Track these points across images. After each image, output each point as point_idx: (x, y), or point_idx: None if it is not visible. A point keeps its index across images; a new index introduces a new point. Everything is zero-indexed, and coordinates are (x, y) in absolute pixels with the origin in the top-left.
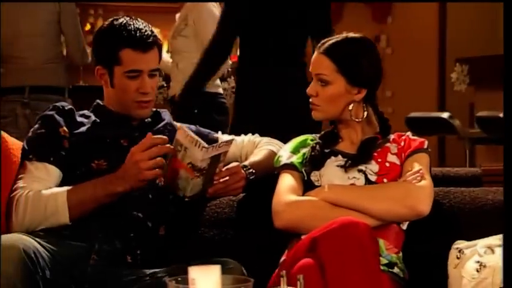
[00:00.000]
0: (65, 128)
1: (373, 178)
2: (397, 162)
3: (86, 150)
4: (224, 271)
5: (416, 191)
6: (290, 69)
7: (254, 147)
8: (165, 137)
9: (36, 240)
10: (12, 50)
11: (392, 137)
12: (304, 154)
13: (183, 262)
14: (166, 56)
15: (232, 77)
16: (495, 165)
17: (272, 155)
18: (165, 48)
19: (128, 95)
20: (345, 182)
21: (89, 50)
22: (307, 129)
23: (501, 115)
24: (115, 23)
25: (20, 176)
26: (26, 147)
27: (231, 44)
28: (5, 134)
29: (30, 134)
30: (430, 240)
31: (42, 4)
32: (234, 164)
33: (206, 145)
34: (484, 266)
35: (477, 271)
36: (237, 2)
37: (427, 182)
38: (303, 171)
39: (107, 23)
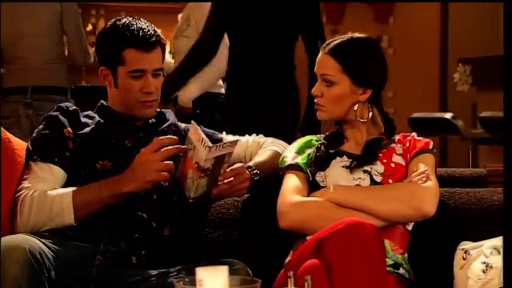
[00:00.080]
0: (69, 129)
1: (378, 179)
2: (403, 162)
3: (90, 150)
4: (230, 272)
5: (422, 191)
6: (279, 70)
7: (258, 147)
8: (174, 137)
9: (41, 241)
10: (14, 50)
11: (397, 137)
12: (309, 155)
13: (188, 263)
14: (168, 57)
15: None
16: (500, 165)
17: (276, 155)
18: (167, 48)
19: (132, 95)
20: (350, 183)
21: (91, 51)
22: (296, 129)
23: None
24: (118, 23)
25: (24, 177)
26: (31, 148)
27: (217, 45)
28: (9, 135)
29: (34, 134)
30: (435, 241)
31: (45, 4)
32: (239, 164)
33: (210, 144)
34: (491, 267)
35: (483, 272)
36: (226, 2)
37: (432, 183)
38: (308, 172)
39: (109, 23)
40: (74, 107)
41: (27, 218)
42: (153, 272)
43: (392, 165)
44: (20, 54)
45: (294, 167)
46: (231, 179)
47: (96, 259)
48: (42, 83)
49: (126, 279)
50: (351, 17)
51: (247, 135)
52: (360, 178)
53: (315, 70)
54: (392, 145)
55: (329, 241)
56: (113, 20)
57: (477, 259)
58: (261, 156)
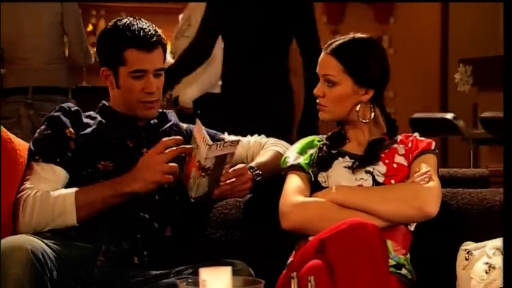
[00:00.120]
0: (71, 129)
1: (380, 179)
2: (405, 163)
3: (92, 151)
4: (232, 272)
5: (425, 192)
6: (273, 72)
7: (260, 148)
8: (179, 137)
9: (43, 241)
10: (15, 50)
11: (399, 138)
12: (311, 155)
13: (190, 263)
14: (169, 57)
15: None
16: (502, 166)
17: (278, 156)
18: (168, 49)
19: (134, 95)
20: (352, 183)
21: (91, 51)
22: (289, 131)
23: None
24: (118, 23)
25: (26, 177)
26: (33, 148)
27: (211, 46)
28: (11, 135)
29: (36, 135)
30: (437, 241)
31: (45, 5)
32: (241, 165)
33: (211, 142)
34: (493, 268)
35: (486, 272)
36: (220, 4)
37: (435, 183)
38: (310, 172)
39: (110, 24)
40: (76, 108)
41: (29, 218)
42: (155, 273)
43: (395, 165)
44: (20, 55)
45: (296, 168)
46: (233, 179)
47: (98, 259)
48: (43, 83)
49: (128, 280)
50: (351, 17)
51: (249, 136)
52: (362, 179)
53: (317, 70)
54: (395, 145)
55: (332, 241)
56: (113, 20)
57: (480, 260)
58: (263, 157)
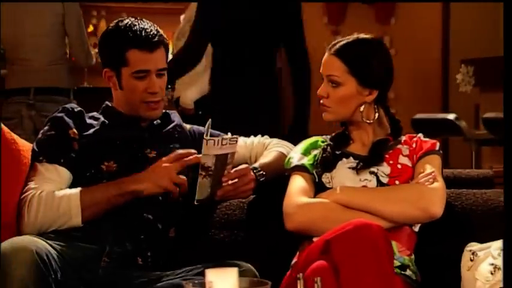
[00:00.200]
0: (74, 130)
1: (385, 180)
2: (409, 164)
3: (96, 152)
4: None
5: (429, 193)
6: (262, 78)
7: (264, 148)
8: (193, 150)
9: (47, 242)
10: (17, 51)
11: (403, 138)
12: (315, 156)
13: (194, 264)
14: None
15: None
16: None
17: (282, 156)
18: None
19: (137, 95)
20: (356, 184)
21: (93, 52)
22: (277, 135)
23: None
24: (120, 24)
25: (31, 178)
26: (36, 149)
27: (201, 53)
28: (15, 136)
29: (40, 135)
30: (442, 242)
31: (47, 5)
32: (243, 166)
33: (207, 137)
34: (499, 269)
35: (491, 273)
36: (210, 11)
37: (439, 184)
38: (314, 173)
39: (112, 25)
40: (79, 108)
41: (34, 218)
42: (159, 274)
43: (399, 166)
44: (22, 56)
45: (300, 168)
46: (236, 180)
47: (102, 260)
48: (44, 84)
49: (132, 281)
50: (352, 18)
51: (252, 136)
52: (366, 179)
53: (320, 71)
54: (399, 146)
55: (337, 242)
56: (115, 21)
57: (485, 260)
58: (266, 158)
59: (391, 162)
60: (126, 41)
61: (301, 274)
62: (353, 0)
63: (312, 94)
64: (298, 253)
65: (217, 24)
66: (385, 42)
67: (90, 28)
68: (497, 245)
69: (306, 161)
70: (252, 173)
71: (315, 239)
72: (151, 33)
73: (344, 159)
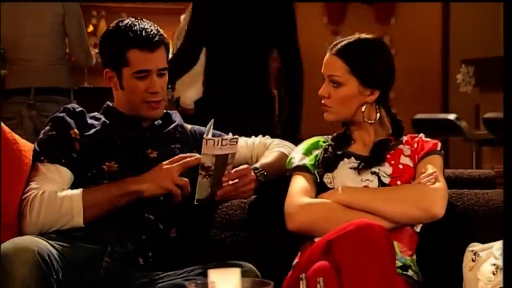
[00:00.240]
0: (75, 130)
1: (386, 180)
2: (411, 164)
3: (97, 152)
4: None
5: (431, 193)
6: (254, 79)
7: (265, 149)
8: (198, 155)
9: (49, 243)
10: (17, 51)
11: (405, 138)
12: (316, 156)
13: (196, 264)
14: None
15: None
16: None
17: (283, 157)
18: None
19: (138, 95)
20: (358, 184)
21: (93, 52)
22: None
23: None
24: (120, 24)
25: (32, 178)
26: (38, 149)
27: (198, 53)
28: (16, 136)
29: (41, 135)
30: (443, 242)
31: (47, 6)
32: (244, 166)
33: (207, 137)
34: (501, 269)
35: (493, 274)
36: (203, 12)
37: (441, 184)
38: (316, 173)
39: (112, 25)
40: (81, 109)
41: (36, 218)
42: (161, 274)
43: (401, 166)
44: (22, 56)
45: (302, 169)
46: (236, 180)
47: (104, 261)
48: (45, 84)
49: (134, 281)
50: (352, 18)
51: (253, 137)
52: (367, 180)
53: (322, 71)
54: (400, 146)
55: (339, 243)
56: (115, 21)
57: (487, 261)
58: (268, 158)
59: (392, 162)
60: (126, 41)
61: (303, 274)
62: (353, 0)
63: (312, 94)
64: (299, 253)
65: (210, 25)
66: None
67: (90, 28)
68: (499, 246)
69: (308, 161)
70: (252, 174)
71: (316, 239)
72: (152, 33)
73: (345, 159)
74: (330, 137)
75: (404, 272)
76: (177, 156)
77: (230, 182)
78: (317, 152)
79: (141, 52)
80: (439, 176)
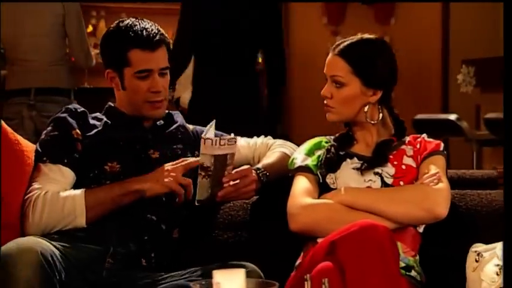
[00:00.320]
0: (77, 131)
1: (389, 181)
2: (413, 164)
3: (99, 152)
4: None
5: (434, 193)
6: (242, 79)
7: (267, 149)
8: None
9: (51, 243)
10: (17, 52)
11: (407, 139)
12: (319, 156)
13: (198, 265)
14: None
15: None
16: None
17: (285, 157)
18: None
19: (140, 95)
20: (360, 185)
21: (93, 53)
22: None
23: None
24: (121, 24)
25: (34, 179)
26: (40, 150)
27: (189, 54)
28: (18, 136)
29: (43, 136)
30: (446, 243)
31: (47, 5)
32: (245, 167)
33: (205, 136)
34: None
35: (497, 274)
36: (193, 13)
37: (444, 185)
38: (318, 174)
39: (112, 25)
40: (82, 109)
41: (39, 218)
42: (164, 275)
43: (403, 167)
44: (22, 56)
45: (304, 169)
46: (237, 181)
47: (106, 261)
48: (45, 84)
49: (136, 282)
50: (352, 18)
51: (255, 137)
52: (370, 180)
53: (324, 71)
54: (403, 147)
55: (342, 243)
56: (116, 22)
57: (490, 261)
58: (270, 158)
59: (395, 162)
60: (127, 41)
61: (308, 275)
62: (352, 1)
63: (313, 94)
64: (302, 254)
65: (200, 25)
66: None
67: (90, 28)
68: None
69: (310, 161)
70: (254, 174)
71: (319, 240)
72: (153, 32)
73: (348, 159)
74: (333, 137)
75: (407, 273)
76: (180, 160)
77: (231, 183)
78: (319, 152)
79: (142, 52)
80: (442, 176)
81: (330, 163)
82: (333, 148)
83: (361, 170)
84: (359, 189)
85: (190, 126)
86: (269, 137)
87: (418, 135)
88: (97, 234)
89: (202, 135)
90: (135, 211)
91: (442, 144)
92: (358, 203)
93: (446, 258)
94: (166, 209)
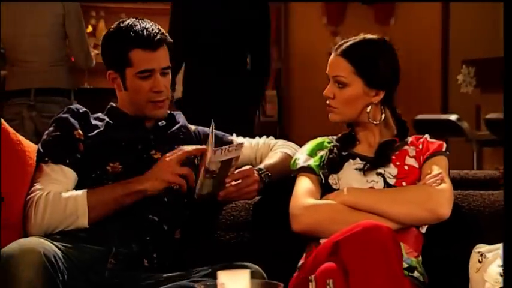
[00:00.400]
0: (79, 131)
1: (392, 181)
2: (416, 165)
3: (101, 153)
4: None
5: (437, 194)
6: (233, 79)
7: (269, 149)
8: (199, 146)
9: (54, 244)
10: (16, 52)
11: (410, 139)
12: (321, 157)
13: (200, 266)
14: None
15: None
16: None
17: (287, 158)
18: None
19: (142, 95)
20: (363, 186)
21: (93, 53)
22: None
23: None
24: (121, 25)
25: (36, 179)
26: (41, 150)
27: (181, 54)
28: (20, 137)
29: (44, 136)
30: (449, 243)
31: (47, 6)
32: (247, 167)
33: (215, 148)
34: None
35: (501, 275)
36: (182, 13)
37: (447, 185)
38: (321, 174)
39: (113, 26)
40: (84, 109)
41: (41, 219)
42: (166, 275)
43: (406, 167)
44: (22, 57)
45: (307, 170)
46: (239, 181)
47: (109, 262)
48: (45, 84)
49: (139, 282)
50: (351, 18)
51: (257, 137)
52: (373, 181)
53: (326, 71)
54: (405, 147)
55: (346, 244)
56: (116, 22)
57: (494, 262)
58: (272, 159)
59: (397, 163)
60: (128, 41)
61: (313, 276)
62: (352, 1)
63: (313, 95)
64: (304, 254)
65: (191, 25)
66: None
67: (89, 29)
68: None
69: (312, 162)
70: (255, 174)
71: (321, 241)
72: (154, 32)
73: (350, 160)
74: (335, 137)
75: (410, 274)
76: (175, 150)
77: (233, 183)
78: (322, 153)
79: (143, 52)
80: (445, 177)
81: (333, 164)
82: (335, 148)
83: (364, 171)
84: (361, 190)
85: (192, 127)
86: (271, 137)
87: (421, 136)
88: (99, 234)
89: (211, 142)
90: (137, 211)
91: (445, 145)
92: (360, 203)
93: (449, 259)
94: (168, 210)
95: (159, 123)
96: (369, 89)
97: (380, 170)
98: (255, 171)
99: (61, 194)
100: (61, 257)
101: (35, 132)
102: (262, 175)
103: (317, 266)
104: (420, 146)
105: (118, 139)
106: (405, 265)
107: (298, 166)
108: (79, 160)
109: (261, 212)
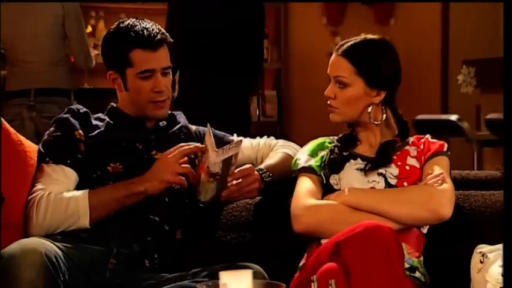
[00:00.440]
0: (80, 131)
1: (393, 182)
2: (417, 165)
3: (102, 153)
4: None
5: (438, 194)
6: (228, 79)
7: (270, 150)
8: (197, 144)
9: (55, 244)
10: (16, 52)
11: (411, 139)
12: (322, 157)
13: (201, 266)
14: None
15: None
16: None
17: (288, 158)
18: None
19: (143, 96)
20: (364, 186)
21: (92, 54)
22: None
23: None
24: (121, 25)
25: (38, 179)
26: (42, 150)
27: (179, 54)
28: (21, 137)
29: (45, 137)
30: (450, 244)
31: (47, 6)
32: (247, 165)
33: (216, 148)
34: None
35: (502, 276)
36: (178, 13)
37: (448, 186)
38: (322, 175)
39: (113, 26)
40: (85, 110)
41: (42, 219)
42: (168, 276)
43: (407, 167)
44: (21, 57)
45: (308, 170)
46: (240, 180)
47: (110, 262)
48: (45, 85)
49: (140, 283)
50: (351, 19)
51: (258, 138)
52: (374, 181)
53: (328, 72)
54: (407, 147)
55: (347, 244)
56: (116, 23)
57: (495, 262)
58: (272, 159)
59: (399, 163)
60: (128, 41)
61: (315, 276)
62: (352, 1)
63: (314, 95)
64: (306, 255)
65: (188, 25)
66: None
67: (89, 29)
68: None
69: (313, 162)
70: (256, 173)
71: (323, 241)
72: (154, 32)
73: (352, 160)
74: (336, 138)
75: (411, 274)
76: (175, 147)
77: (234, 182)
78: (323, 153)
79: (144, 52)
80: (446, 177)
81: (334, 164)
82: (336, 149)
83: (365, 171)
84: (363, 190)
85: (193, 127)
86: (272, 137)
87: (422, 136)
88: (100, 235)
89: (214, 149)
90: (138, 212)
91: (446, 145)
92: (361, 203)
93: (450, 259)
94: (169, 210)
95: (160, 123)
96: (370, 89)
97: (381, 170)
98: (255, 171)
99: (62, 194)
100: (62, 257)
101: (35, 133)
102: (263, 175)
103: (318, 266)
104: (421, 146)
105: (119, 139)
106: (407, 265)
107: (299, 166)
108: (80, 160)
109: (262, 212)
